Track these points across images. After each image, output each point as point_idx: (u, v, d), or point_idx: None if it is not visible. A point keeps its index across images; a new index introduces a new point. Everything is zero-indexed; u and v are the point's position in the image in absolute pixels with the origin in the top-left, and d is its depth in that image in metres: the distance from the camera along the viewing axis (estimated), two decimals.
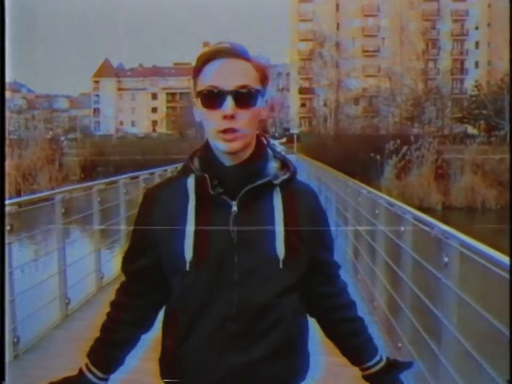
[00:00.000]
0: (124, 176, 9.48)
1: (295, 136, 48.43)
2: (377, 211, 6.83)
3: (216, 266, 1.83)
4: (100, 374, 2.00)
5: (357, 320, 2.05)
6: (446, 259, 3.92)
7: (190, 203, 1.85)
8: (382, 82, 60.25)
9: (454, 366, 3.72)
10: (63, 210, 6.51)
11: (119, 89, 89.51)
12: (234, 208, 1.83)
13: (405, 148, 30.93)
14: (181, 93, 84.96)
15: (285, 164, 1.91)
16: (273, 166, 1.91)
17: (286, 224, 1.84)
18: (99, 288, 7.91)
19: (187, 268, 1.82)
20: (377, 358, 2.03)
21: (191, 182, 1.86)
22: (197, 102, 1.86)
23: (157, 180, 11.48)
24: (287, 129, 57.11)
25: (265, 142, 1.94)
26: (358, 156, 31.41)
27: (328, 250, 2.01)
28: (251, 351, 1.84)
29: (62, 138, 41.98)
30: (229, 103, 1.77)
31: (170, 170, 13.08)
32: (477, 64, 70.26)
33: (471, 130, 50.12)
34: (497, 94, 48.59)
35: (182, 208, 1.85)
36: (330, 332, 2.04)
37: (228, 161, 1.85)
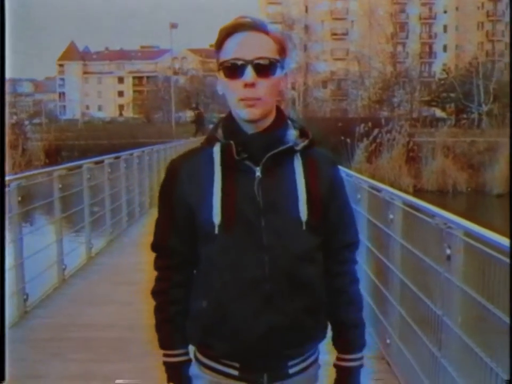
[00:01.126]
0: (87, 161, 9.00)
1: None
2: (359, 196, 6.23)
3: (245, 230, 1.87)
4: (185, 350, 2.03)
5: (356, 318, 2.06)
6: (448, 251, 3.51)
7: (216, 169, 1.89)
8: (351, 66, 60.22)
9: (454, 364, 3.49)
10: (19, 198, 6.06)
11: (85, 72, 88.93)
12: (258, 174, 1.88)
13: (375, 131, 30.71)
14: (147, 77, 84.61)
15: (304, 132, 1.97)
16: (293, 133, 1.95)
17: (307, 188, 1.90)
18: (61, 281, 7.37)
19: (216, 232, 1.86)
20: (360, 355, 2.05)
21: (216, 150, 1.90)
22: (219, 74, 1.91)
23: (122, 165, 11.30)
24: None
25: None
26: (328, 139, 31.03)
27: (346, 217, 2.05)
28: (285, 311, 1.87)
29: (26, 123, 41.13)
30: (250, 72, 1.83)
31: (137, 154, 12.67)
32: (445, 48, 70.94)
33: (439, 113, 50.37)
34: (466, 77, 48.75)
35: (209, 175, 1.90)
36: (329, 312, 2.03)
37: (250, 129, 1.90)
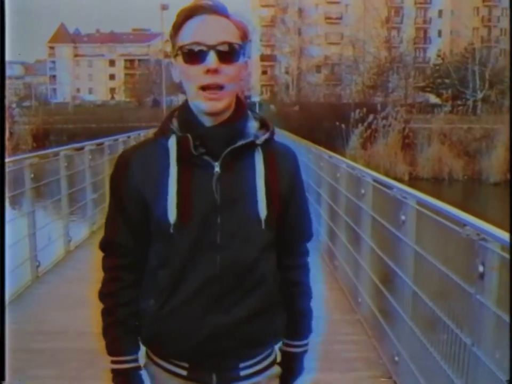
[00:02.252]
0: (64, 147, 8.39)
1: (256, 104, 47.55)
2: (338, 175, 6.97)
3: (200, 228, 1.79)
4: (135, 357, 1.93)
5: (309, 301, 2.06)
6: (403, 217, 4.03)
7: (172, 164, 1.79)
8: (345, 50, 59.63)
9: (412, 320, 3.88)
10: None
11: (76, 55, 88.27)
12: (217, 169, 1.80)
13: (371, 117, 30.08)
14: (139, 60, 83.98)
15: (264, 124, 1.90)
16: (253, 125, 1.88)
17: (267, 184, 1.83)
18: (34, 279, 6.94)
19: (171, 231, 1.77)
20: (307, 341, 2.07)
21: (172, 142, 1.80)
22: (177, 60, 1.80)
23: (106, 151, 10.70)
24: (248, 97, 56.20)
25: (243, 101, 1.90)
26: (322, 125, 30.48)
27: (302, 215, 2.01)
28: (235, 311, 1.82)
29: (13, 105, 40.39)
30: (212, 57, 1.73)
31: (122, 139, 12.02)
32: (440, 33, 70.41)
33: (434, 99, 50.02)
34: (461, 63, 48.35)
35: (164, 169, 1.79)
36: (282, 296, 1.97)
37: (208, 122, 1.80)
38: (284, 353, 2.05)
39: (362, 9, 62.49)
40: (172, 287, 1.82)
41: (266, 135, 1.87)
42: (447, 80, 48.89)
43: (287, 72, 62.48)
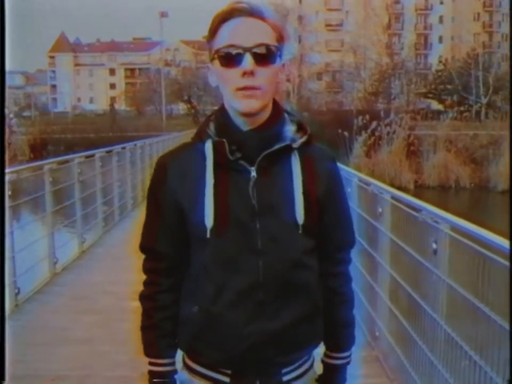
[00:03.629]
0: (49, 160, 7.88)
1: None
2: (349, 190, 6.20)
3: (238, 233, 1.77)
4: (171, 360, 1.92)
5: (350, 311, 2.01)
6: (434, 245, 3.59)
7: (208, 168, 1.78)
8: (346, 57, 59.33)
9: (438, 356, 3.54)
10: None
11: (76, 64, 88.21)
12: (253, 174, 1.78)
13: (374, 124, 29.43)
14: (140, 69, 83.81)
15: (301, 127, 1.87)
16: (290, 129, 1.85)
17: (304, 189, 1.80)
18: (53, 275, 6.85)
19: (208, 235, 1.76)
20: (349, 353, 2.02)
21: (208, 147, 1.79)
22: (214, 64, 1.79)
23: (114, 158, 10.90)
24: None
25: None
26: (325, 132, 29.87)
27: (343, 220, 1.95)
28: (279, 318, 1.79)
29: (11, 115, 39.89)
30: (248, 60, 1.72)
31: (116, 150, 11.42)
32: (441, 39, 70.20)
33: (436, 105, 49.72)
34: (464, 68, 48.05)
35: (200, 173, 1.79)
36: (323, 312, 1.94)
37: (244, 126, 1.79)
38: (325, 364, 2.02)
39: (363, 16, 62.27)
40: (215, 293, 1.79)
41: (303, 139, 1.84)
42: (449, 86, 48.71)
43: (288, 80, 62.17)
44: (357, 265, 5.61)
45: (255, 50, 1.72)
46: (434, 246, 3.55)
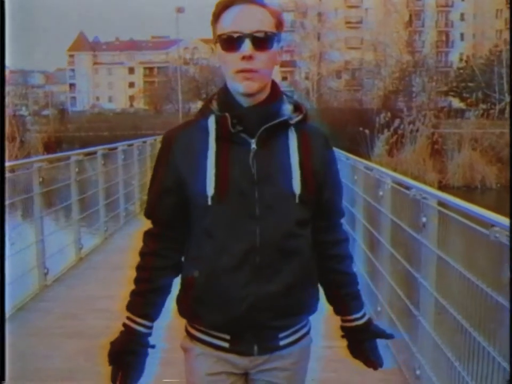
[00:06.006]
0: (38, 158, 7.06)
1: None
2: (356, 177, 6.84)
3: (238, 201, 1.89)
4: (148, 323, 2.04)
5: (349, 274, 2.12)
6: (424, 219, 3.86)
7: (211, 141, 1.91)
8: (366, 55, 58.51)
9: (434, 328, 3.74)
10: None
11: (95, 63, 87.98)
12: (254, 146, 1.91)
13: (397, 122, 28.47)
14: (158, 67, 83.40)
15: (298, 107, 2.01)
16: (287, 108, 1.99)
17: (301, 162, 1.93)
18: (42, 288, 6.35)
19: (209, 203, 1.88)
20: (359, 314, 2.10)
21: (211, 121, 1.93)
22: (217, 47, 1.92)
23: (120, 156, 10.36)
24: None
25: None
26: (345, 130, 28.97)
27: (337, 195, 2.09)
28: (274, 281, 1.91)
29: (25, 114, 39.55)
30: (247, 45, 1.85)
31: (121, 148, 10.59)
32: (462, 36, 69.06)
33: (457, 103, 48.94)
34: (487, 66, 47.16)
35: (203, 146, 1.92)
36: (322, 278, 2.08)
37: (245, 103, 1.92)
38: (344, 329, 2.12)
39: (383, 13, 61.38)
40: (215, 257, 1.90)
41: (300, 117, 1.98)
42: (471, 84, 47.85)
43: (307, 78, 61.70)
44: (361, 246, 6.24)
45: (254, 35, 1.85)
46: (423, 219, 3.82)
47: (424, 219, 3.81)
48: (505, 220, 2.72)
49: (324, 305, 2.12)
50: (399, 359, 4.45)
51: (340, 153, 8.36)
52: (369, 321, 2.11)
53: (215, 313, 1.91)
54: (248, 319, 1.90)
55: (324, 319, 2.35)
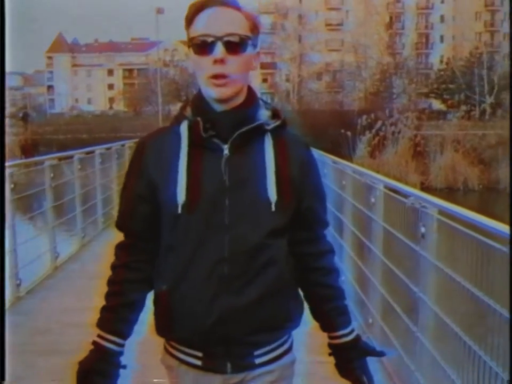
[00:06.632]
0: (50, 156, 7.41)
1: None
2: (344, 182, 6.57)
3: (208, 209, 1.83)
4: (120, 340, 1.94)
5: (334, 287, 2.02)
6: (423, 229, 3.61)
7: (183, 147, 1.87)
8: (346, 57, 58.62)
9: (432, 343, 3.53)
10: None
11: (74, 65, 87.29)
12: (226, 152, 1.85)
13: (379, 123, 28.41)
14: (138, 69, 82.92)
15: (276, 113, 1.95)
16: (264, 113, 1.93)
17: (277, 168, 1.86)
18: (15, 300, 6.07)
19: (179, 211, 1.82)
20: (347, 330, 2.00)
21: (184, 127, 1.89)
22: (190, 51, 1.89)
23: (97, 160, 10.02)
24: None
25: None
26: (327, 132, 28.82)
27: (319, 203, 2.01)
28: (244, 294, 1.83)
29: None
30: (219, 48, 1.81)
31: (99, 151, 10.24)
32: (442, 38, 69.38)
33: (438, 105, 49.27)
34: (467, 67, 47.47)
35: (175, 153, 1.87)
36: (307, 292, 2.02)
37: (219, 108, 1.87)
38: (332, 347, 2.02)
39: (363, 15, 61.50)
40: (182, 269, 1.84)
41: (277, 122, 1.91)
42: (451, 86, 48.16)
43: (287, 80, 61.76)
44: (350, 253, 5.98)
45: (226, 39, 1.80)
46: (422, 229, 3.57)
47: (423, 229, 3.54)
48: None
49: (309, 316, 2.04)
50: (394, 377, 4.19)
51: (325, 157, 8.15)
52: (357, 338, 2.01)
53: (184, 328, 1.85)
54: (218, 334, 1.83)
55: (311, 333, 2.24)
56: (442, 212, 3.42)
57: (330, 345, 2.02)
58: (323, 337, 2.04)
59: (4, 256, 2.67)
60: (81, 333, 4.92)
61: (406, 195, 4.10)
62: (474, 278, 2.98)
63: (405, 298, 4.04)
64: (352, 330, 2.01)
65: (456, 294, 3.17)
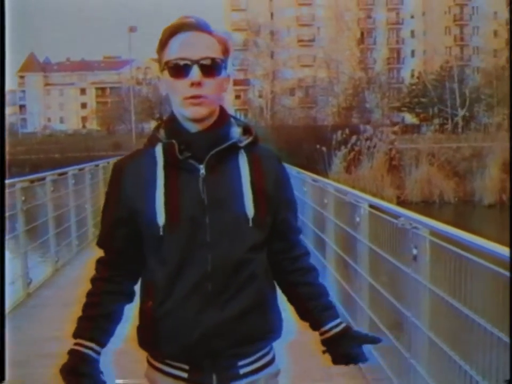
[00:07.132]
0: (21, 178, 7.16)
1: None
2: (325, 200, 6.51)
3: (189, 229, 1.87)
4: (97, 348, 1.96)
5: (315, 285, 2.07)
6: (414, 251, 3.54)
7: (159, 170, 1.90)
8: (319, 72, 58.97)
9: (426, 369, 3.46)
10: None
11: (46, 84, 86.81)
12: (203, 171, 1.90)
13: (353, 138, 28.45)
14: (111, 88, 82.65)
15: (247, 129, 2.00)
16: (236, 130, 1.98)
17: (253, 184, 1.92)
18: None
19: (161, 233, 1.87)
20: (335, 322, 2.02)
21: (158, 149, 1.92)
22: (163, 74, 1.94)
23: (70, 181, 9.82)
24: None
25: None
26: (302, 148, 28.79)
27: (292, 214, 2.07)
28: (228, 308, 1.88)
29: None
30: (196, 71, 1.86)
31: (72, 172, 10.01)
32: (413, 53, 70.11)
33: (411, 119, 49.70)
34: (439, 81, 47.98)
35: (152, 175, 1.90)
36: (290, 294, 2.07)
37: (193, 128, 1.92)
38: (324, 343, 2.03)
39: (335, 31, 61.94)
40: (167, 287, 1.87)
41: (250, 139, 1.96)
42: (423, 99, 48.65)
43: (260, 96, 61.88)
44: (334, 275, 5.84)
45: (202, 62, 1.86)
46: (414, 251, 3.49)
47: (415, 251, 3.39)
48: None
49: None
50: None
51: (304, 175, 8.03)
52: (347, 327, 2.02)
53: (171, 342, 1.90)
54: (203, 348, 1.88)
55: None
56: (434, 232, 3.28)
57: (323, 342, 2.02)
58: None
59: (4, 261, 2.74)
60: (53, 365, 4.74)
61: (390, 213, 4.01)
62: (469, 301, 2.93)
63: (395, 321, 3.91)
64: (341, 322, 2.02)
65: (451, 316, 3.07)
